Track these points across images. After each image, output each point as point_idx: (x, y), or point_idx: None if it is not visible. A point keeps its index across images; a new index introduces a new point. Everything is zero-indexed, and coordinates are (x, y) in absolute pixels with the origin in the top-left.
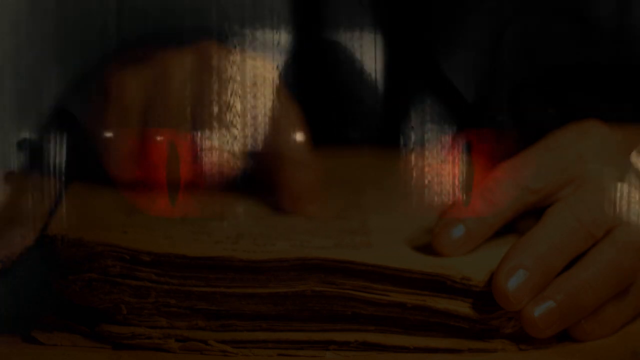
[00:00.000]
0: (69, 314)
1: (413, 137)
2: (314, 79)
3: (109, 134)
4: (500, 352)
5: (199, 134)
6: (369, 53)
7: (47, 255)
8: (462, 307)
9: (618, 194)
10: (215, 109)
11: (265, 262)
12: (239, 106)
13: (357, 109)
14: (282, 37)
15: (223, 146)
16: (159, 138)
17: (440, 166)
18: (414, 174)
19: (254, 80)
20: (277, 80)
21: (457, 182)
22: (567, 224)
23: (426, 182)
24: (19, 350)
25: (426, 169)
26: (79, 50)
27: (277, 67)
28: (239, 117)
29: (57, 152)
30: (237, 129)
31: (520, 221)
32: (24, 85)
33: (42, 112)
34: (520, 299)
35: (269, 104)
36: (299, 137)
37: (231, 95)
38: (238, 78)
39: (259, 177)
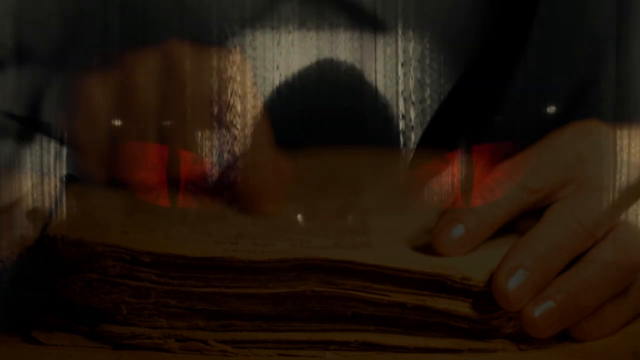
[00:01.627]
0: (69, 314)
1: (413, 137)
2: (311, 78)
3: (78, 140)
4: (500, 352)
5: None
6: (368, 53)
7: (47, 255)
8: (462, 307)
9: (618, 194)
10: (216, 109)
11: (265, 263)
12: (238, 106)
13: (356, 109)
14: (282, 37)
15: (195, 147)
16: (130, 143)
17: (440, 166)
18: (414, 174)
19: (253, 81)
20: (248, 79)
21: (457, 182)
22: (567, 224)
23: (426, 182)
24: (19, 350)
25: (426, 169)
26: (80, 50)
27: (277, 67)
28: (238, 117)
29: (58, 153)
30: (236, 129)
31: (520, 221)
32: (25, 86)
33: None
34: (520, 299)
35: (238, 104)
36: (260, 137)
37: (231, 95)
38: (237, 78)
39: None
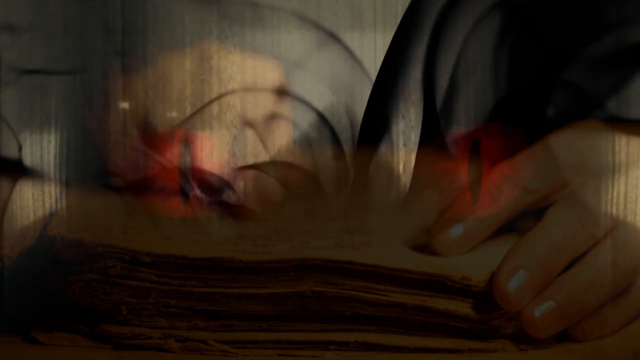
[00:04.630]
0: (69, 314)
1: (413, 137)
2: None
3: (111, 139)
4: (500, 352)
5: (199, 135)
6: (369, 53)
7: (47, 256)
8: (462, 307)
9: (618, 195)
10: (216, 109)
11: (265, 263)
12: (238, 106)
13: (357, 109)
14: (283, 37)
15: (222, 147)
16: (160, 140)
17: (439, 166)
18: (413, 174)
19: (253, 80)
20: (275, 82)
21: (459, 182)
22: (568, 225)
23: (426, 181)
24: (19, 350)
25: (425, 169)
26: (81, 50)
27: (278, 67)
28: (238, 117)
29: (59, 153)
30: (236, 129)
31: (520, 221)
32: (26, 85)
33: (46, 112)
34: (521, 299)
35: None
36: (281, 139)
37: (231, 95)
38: (237, 78)
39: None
